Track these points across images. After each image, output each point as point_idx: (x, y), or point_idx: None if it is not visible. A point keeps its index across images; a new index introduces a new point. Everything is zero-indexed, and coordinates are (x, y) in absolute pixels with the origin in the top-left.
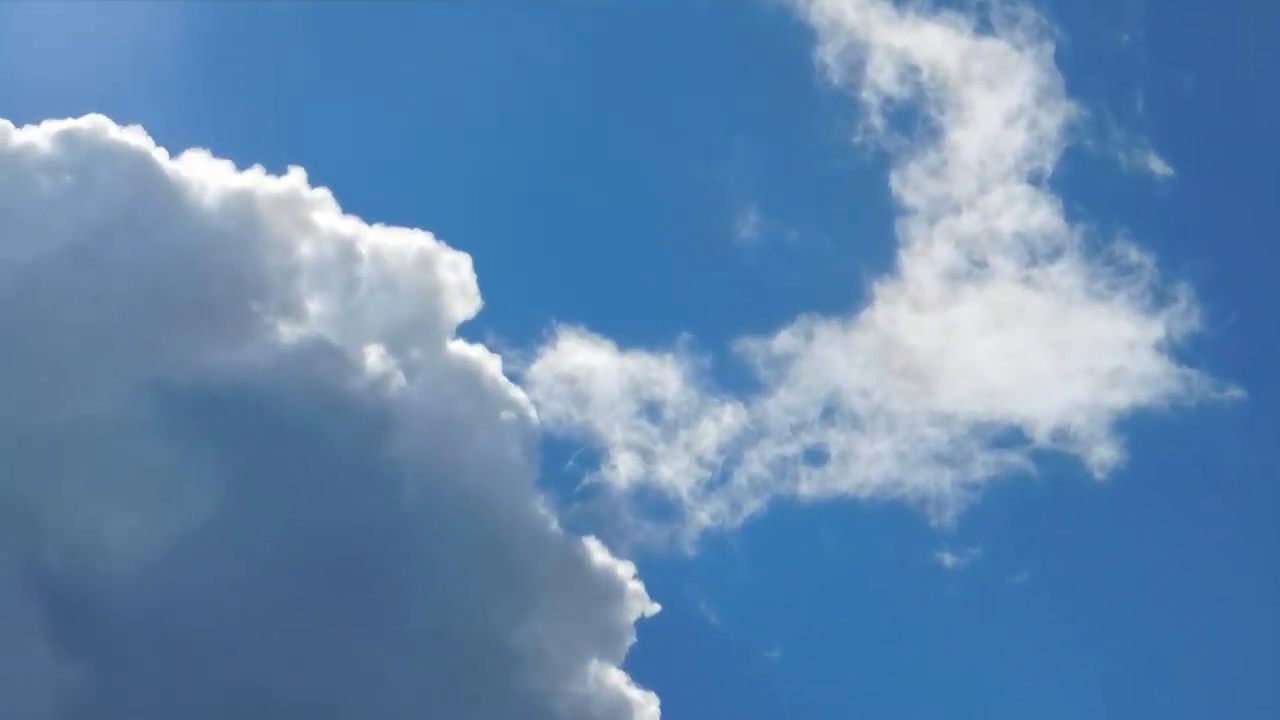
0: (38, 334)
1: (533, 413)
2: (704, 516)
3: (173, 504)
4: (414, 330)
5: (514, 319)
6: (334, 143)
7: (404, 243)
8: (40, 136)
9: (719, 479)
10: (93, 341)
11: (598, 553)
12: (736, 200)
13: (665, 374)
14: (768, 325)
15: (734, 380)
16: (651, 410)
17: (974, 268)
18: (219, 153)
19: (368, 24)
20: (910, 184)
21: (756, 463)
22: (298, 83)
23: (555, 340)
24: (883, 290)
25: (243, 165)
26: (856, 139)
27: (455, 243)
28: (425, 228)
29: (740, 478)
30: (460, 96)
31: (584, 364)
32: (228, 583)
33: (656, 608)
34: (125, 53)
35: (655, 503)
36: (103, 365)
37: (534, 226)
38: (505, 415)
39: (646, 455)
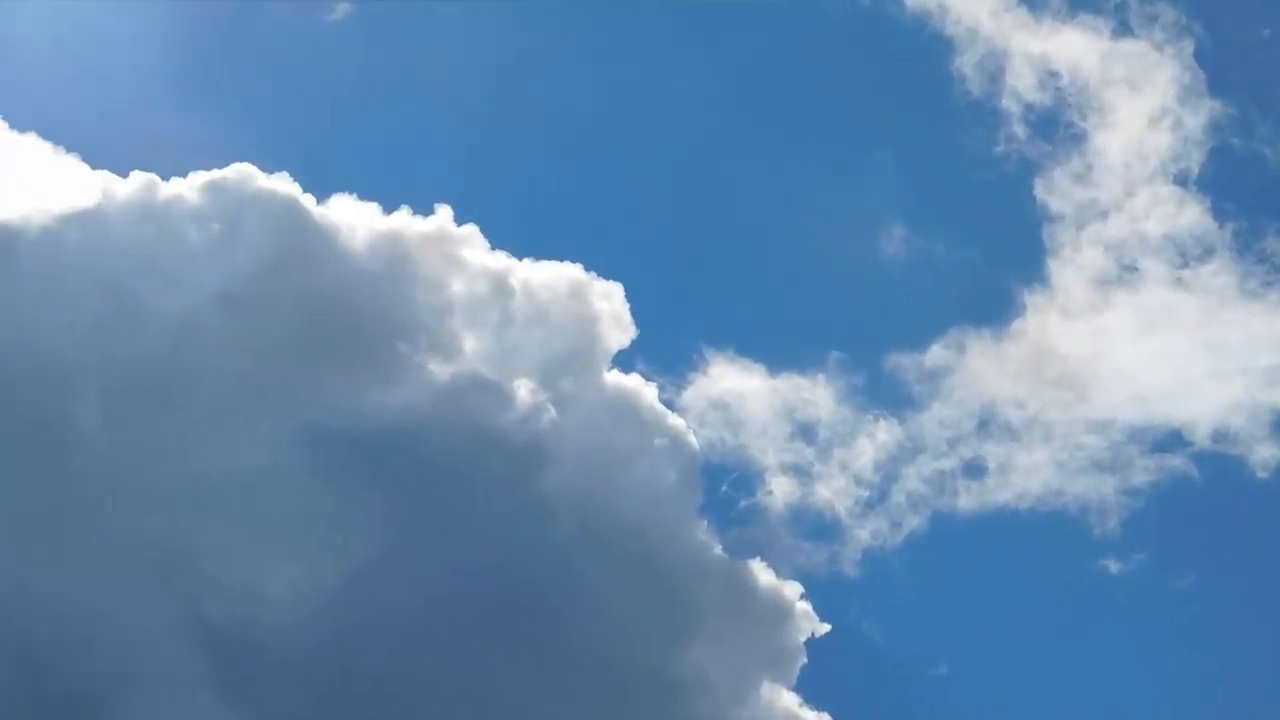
0: (192, 384)
1: (692, 439)
2: (864, 535)
3: (331, 548)
4: (569, 362)
5: (664, 347)
6: (478, 180)
7: (555, 275)
8: (187, 188)
9: (877, 497)
10: (246, 389)
11: (763, 574)
12: (881, 216)
13: (817, 394)
14: (919, 340)
15: (887, 397)
16: (806, 431)
17: (1124, 272)
18: (365, 196)
19: (499, 61)
20: (1055, 190)
21: (914, 479)
22: (439, 123)
23: (705, 367)
24: (1033, 299)
25: (389, 207)
26: (999, 148)
27: (603, 273)
28: (573, 259)
29: (898, 494)
30: (599, 127)
31: (735, 389)
32: (388, 624)
33: (826, 627)
34: (267, 103)
35: (814, 524)
36: (257, 412)
37: (678, 253)
38: (664, 443)
39: (803, 476)
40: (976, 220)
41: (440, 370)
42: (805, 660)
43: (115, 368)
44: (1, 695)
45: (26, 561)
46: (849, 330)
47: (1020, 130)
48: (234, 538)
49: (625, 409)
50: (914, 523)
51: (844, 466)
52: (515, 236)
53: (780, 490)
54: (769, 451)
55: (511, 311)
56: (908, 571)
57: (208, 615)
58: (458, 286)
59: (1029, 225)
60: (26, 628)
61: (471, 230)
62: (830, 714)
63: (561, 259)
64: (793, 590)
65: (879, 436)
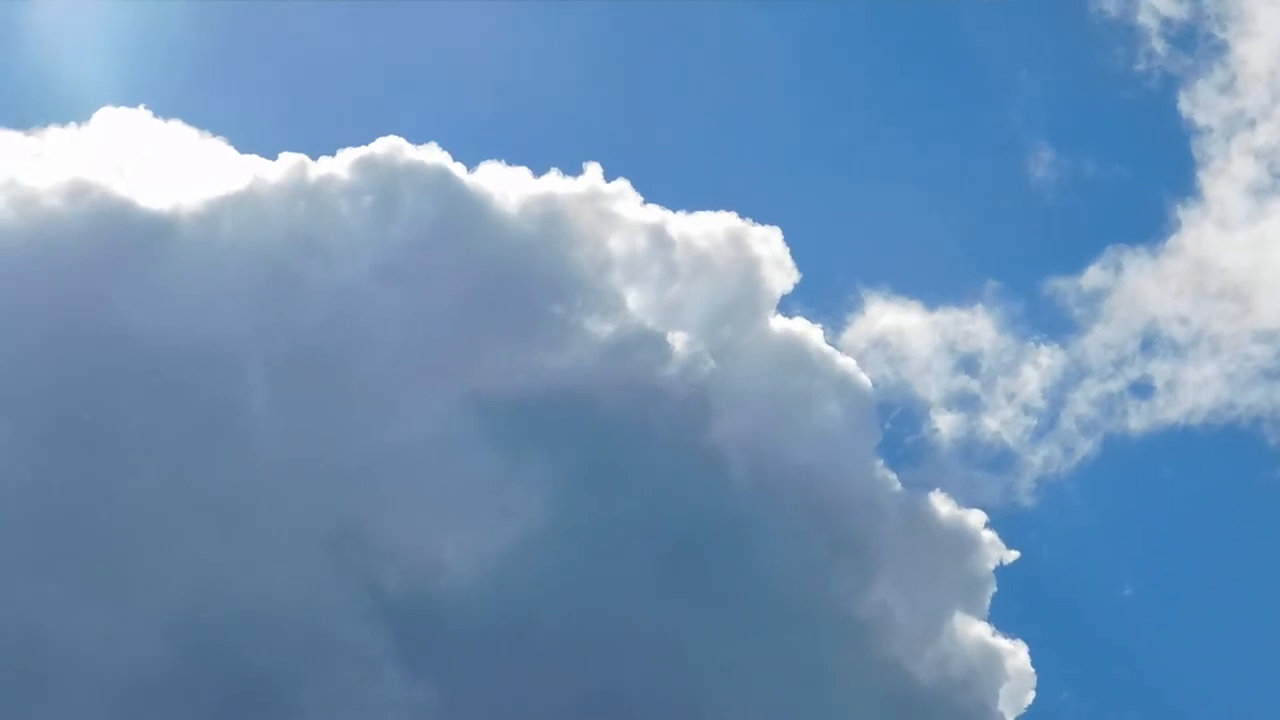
0: (356, 359)
1: (864, 378)
2: (1037, 463)
3: (504, 514)
4: (735, 309)
5: (820, 290)
6: (624, 136)
7: (711, 224)
8: (338, 166)
9: (1047, 424)
10: (411, 360)
11: (944, 507)
12: (1027, 140)
13: (977, 325)
14: (1075, 263)
15: (1048, 322)
16: (969, 363)
17: (1277, 179)
18: (513, 161)
19: (636, 19)
20: (1200, 104)
21: (1082, 403)
22: (581, 82)
23: (863, 306)
24: (1186, 213)
25: (539, 170)
26: (1139, 66)
27: (757, 219)
28: (724, 208)
29: (1068, 420)
30: (735, 75)
31: (894, 326)
32: (567, 586)
33: (1014, 554)
34: (411, 71)
35: (985, 456)
36: (423, 383)
37: (825, 195)
38: (835, 383)
39: (970, 409)
40: (1123, 139)
41: (604, 328)
42: (995, 589)
43: (280, 348)
44: (187, 680)
45: (205, 546)
46: (1004, 258)
47: (1160, 46)
48: (407, 510)
49: (794, 353)
50: (1086, 447)
51: (1010, 396)
52: (666, 190)
53: (948, 425)
54: (933, 387)
55: (673, 263)
56: (1085, 497)
57: (386, 589)
58: (615, 243)
59: (1177, 140)
60: (208, 611)
61: (623, 185)
62: (1025, 641)
63: (713, 209)
64: (976, 519)
65: (1043, 363)
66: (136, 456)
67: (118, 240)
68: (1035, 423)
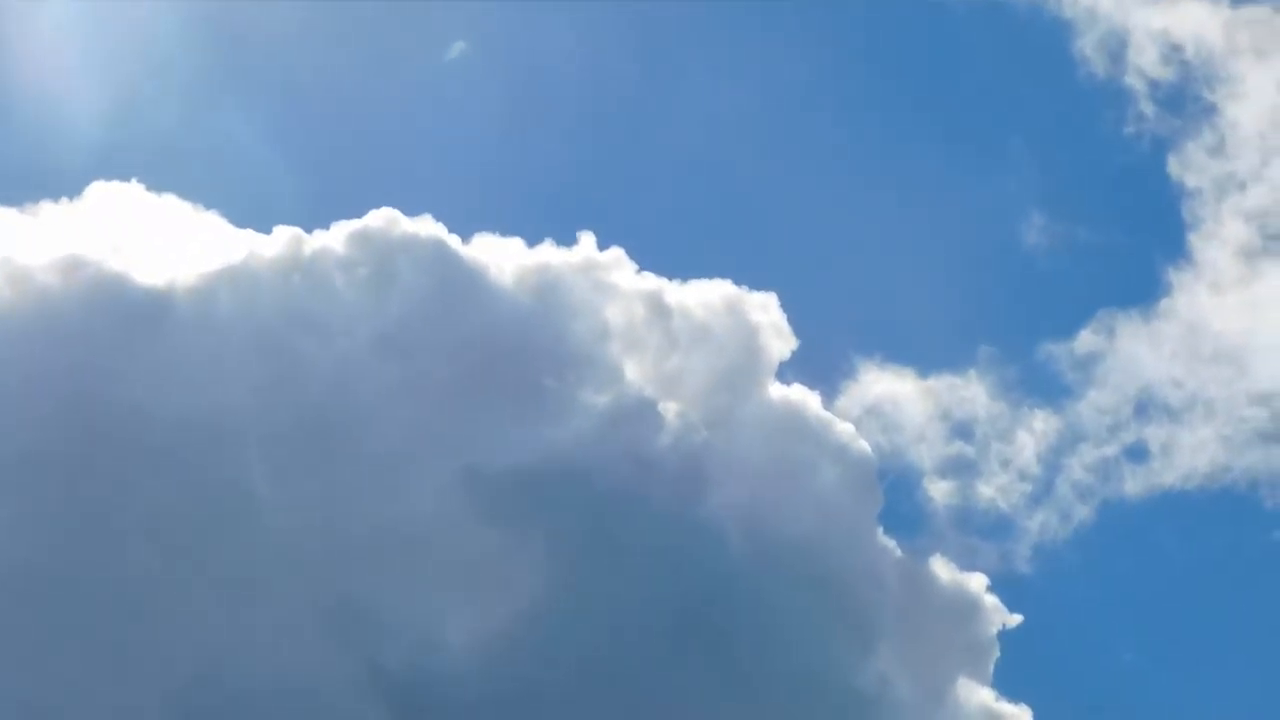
0: (354, 433)
1: (864, 444)
2: (1033, 529)
3: (502, 588)
4: (735, 377)
5: (812, 358)
6: (615, 205)
7: (707, 291)
8: (333, 239)
9: (1042, 490)
10: (409, 434)
11: (944, 572)
12: (1018, 206)
13: (971, 391)
14: (1067, 327)
15: (1041, 388)
16: (963, 430)
17: (1268, 241)
18: (506, 232)
19: (617, 86)
20: (1191, 166)
21: (1078, 468)
22: (567, 153)
23: (856, 374)
24: (1179, 276)
25: (532, 241)
26: (1129, 128)
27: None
28: (718, 274)
29: (1063, 486)
30: (720, 139)
31: (888, 394)
32: (565, 660)
33: (1018, 618)
34: (399, 147)
35: (981, 522)
36: (421, 456)
37: (813, 263)
38: (837, 450)
39: (965, 475)
40: (1114, 202)
41: (603, 399)
42: (999, 654)
43: (278, 424)
44: None
45: (206, 628)
46: (996, 323)
47: (1148, 108)
48: (407, 586)
49: (792, 420)
50: (1082, 513)
51: (1005, 462)
52: (658, 257)
53: (943, 492)
54: (928, 453)
55: (672, 331)
56: (1082, 562)
57: (386, 668)
58: (613, 312)
59: (1167, 202)
60: (210, 689)
61: (618, 254)
62: (1029, 706)
63: (705, 275)
64: (978, 583)
65: (1037, 428)
66: (136, 534)
67: (114, 316)
68: (1030, 488)
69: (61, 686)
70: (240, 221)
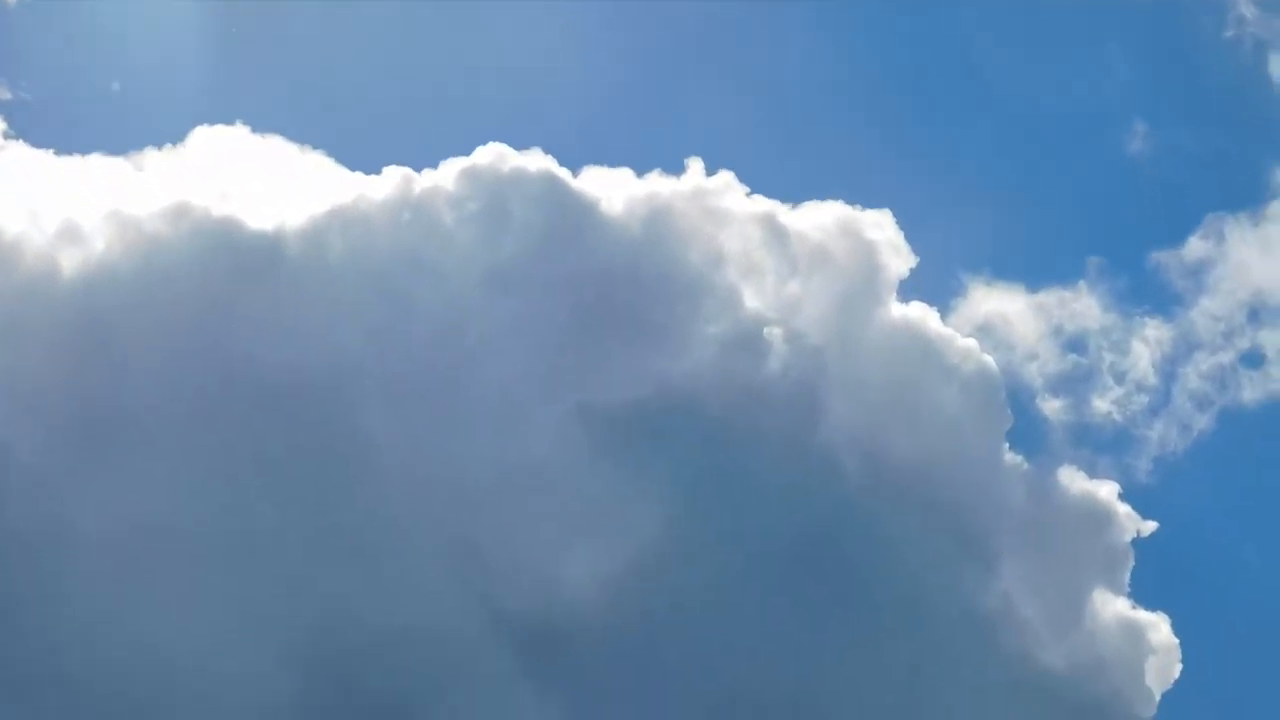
0: (469, 374)
1: (988, 359)
2: (1153, 440)
3: (622, 524)
4: (857, 296)
5: (923, 278)
6: (720, 129)
7: (820, 211)
8: (442, 177)
9: (1160, 400)
10: (524, 371)
11: (1075, 482)
12: (1121, 114)
13: (1082, 305)
14: (1176, 234)
15: (1153, 297)
16: (1076, 344)
17: None
18: (614, 163)
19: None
20: None
21: (1194, 377)
22: (671, 80)
23: (965, 292)
24: None
25: (640, 170)
26: (1229, 32)
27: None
28: (829, 196)
29: (1180, 396)
30: (820, 61)
31: (998, 311)
32: (686, 594)
33: (1152, 525)
34: (512, 78)
35: (1099, 437)
36: (537, 394)
37: (918, 181)
38: (960, 368)
39: (1080, 390)
40: (1216, 106)
41: (721, 326)
42: (1133, 563)
43: (393, 366)
44: (316, 706)
45: (331, 574)
46: (1104, 234)
47: (1248, 11)
48: (526, 526)
49: (914, 338)
50: (1201, 422)
51: (1120, 375)
52: (769, 180)
53: (1057, 409)
54: (1040, 370)
55: (790, 255)
56: (1203, 471)
57: (508, 609)
58: (727, 238)
59: (1270, 103)
60: (334, 637)
61: (728, 178)
62: (1166, 614)
63: (816, 198)
64: (1109, 492)
65: (1150, 338)
66: (257, 483)
67: (224, 263)
68: (1148, 399)
69: (191, 636)
70: (348, 162)
